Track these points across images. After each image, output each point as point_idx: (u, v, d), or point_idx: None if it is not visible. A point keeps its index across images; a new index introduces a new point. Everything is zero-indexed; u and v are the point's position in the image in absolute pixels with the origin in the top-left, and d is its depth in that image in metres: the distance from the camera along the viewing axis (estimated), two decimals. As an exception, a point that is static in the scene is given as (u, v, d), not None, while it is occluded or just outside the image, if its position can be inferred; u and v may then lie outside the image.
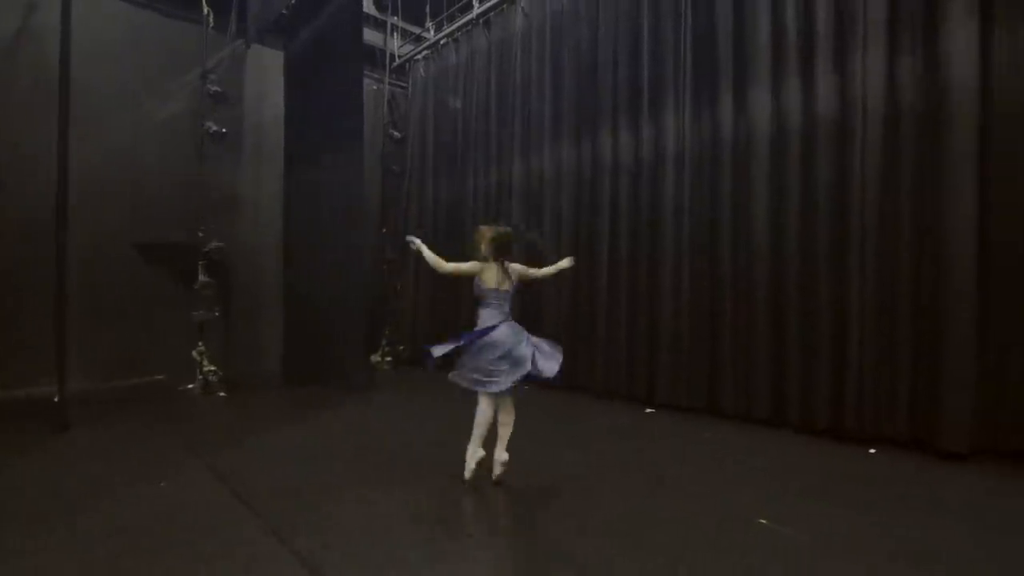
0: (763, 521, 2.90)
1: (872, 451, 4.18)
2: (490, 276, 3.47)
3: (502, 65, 7.79)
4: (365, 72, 8.83)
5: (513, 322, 3.47)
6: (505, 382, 3.29)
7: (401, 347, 9.09)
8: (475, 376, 3.33)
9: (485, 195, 8.03)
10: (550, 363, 3.33)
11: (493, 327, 3.36)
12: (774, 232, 4.96)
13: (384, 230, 9.30)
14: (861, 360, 4.36)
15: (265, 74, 7.93)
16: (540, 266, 3.78)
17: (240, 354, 7.24)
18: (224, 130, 7.16)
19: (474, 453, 3.43)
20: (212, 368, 6.54)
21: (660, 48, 5.87)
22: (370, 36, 9.13)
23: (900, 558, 2.53)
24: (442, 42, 8.86)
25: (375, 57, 9.35)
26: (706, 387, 5.38)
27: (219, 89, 7.14)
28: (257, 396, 6.36)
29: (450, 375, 3.41)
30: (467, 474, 3.45)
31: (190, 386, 6.44)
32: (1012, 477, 3.60)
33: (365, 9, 8.31)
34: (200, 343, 6.63)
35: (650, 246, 5.90)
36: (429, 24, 9.36)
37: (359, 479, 3.54)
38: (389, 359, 8.93)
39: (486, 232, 3.54)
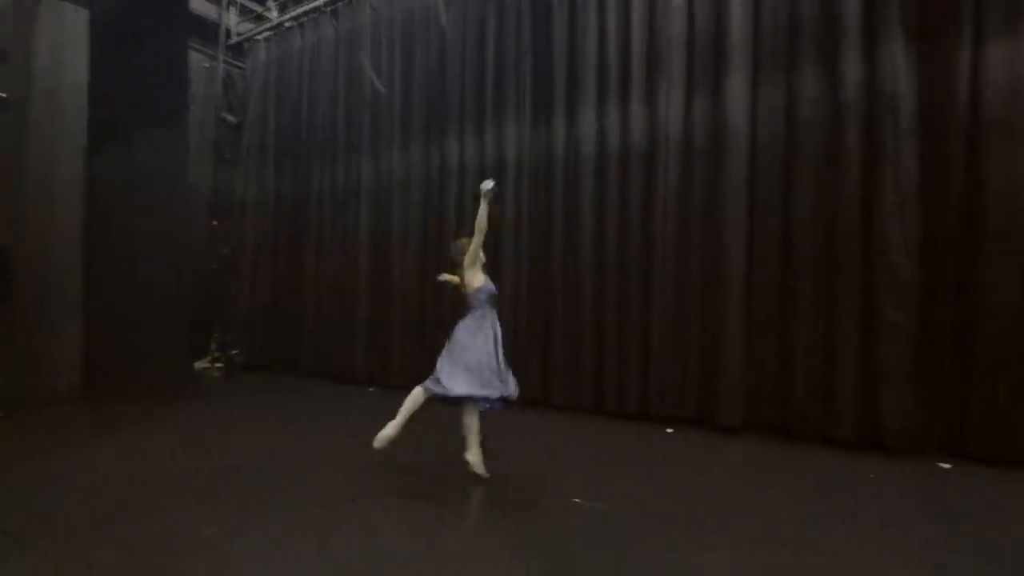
0: (577, 500, 3.24)
1: (670, 430, 4.89)
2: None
3: (351, 59, 7.59)
4: (195, 46, 8.00)
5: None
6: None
7: (235, 351, 8.38)
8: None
9: (332, 192, 7.75)
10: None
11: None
12: (596, 242, 5.55)
13: (215, 223, 8.49)
14: (662, 354, 5.11)
15: (63, 33, 6.75)
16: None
17: (28, 367, 6.07)
18: (4, 95, 5.98)
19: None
20: (-20, 385, 5.40)
21: (503, 61, 6.22)
22: (201, 6, 8.28)
23: (689, 516, 3.02)
24: (286, 24, 8.35)
25: (207, 30, 8.50)
26: (539, 382, 5.82)
27: (-4, 45, 5.95)
28: (43, 416, 5.35)
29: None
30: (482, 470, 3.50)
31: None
32: (773, 444, 4.49)
33: (195, -25, 7.54)
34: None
35: (493, 250, 6.18)
36: (271, 3, 8.76)
37: (133, 511, 2.94)
38: (220, 365, 8.19)
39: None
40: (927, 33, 4.30)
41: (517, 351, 5.86)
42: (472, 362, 3.38)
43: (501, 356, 3.47)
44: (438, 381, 3.39)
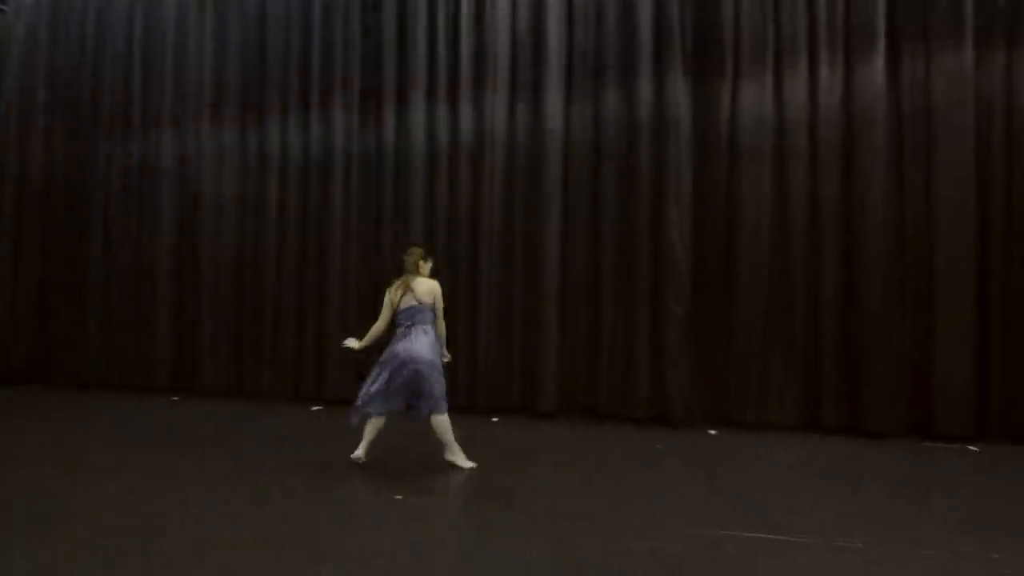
0: (399, 497, 3.27)
1: (495, 419, 5.18)
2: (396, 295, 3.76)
3: (150, 15, 6.50)
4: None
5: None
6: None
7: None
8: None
9: (124, 171, 6.59)
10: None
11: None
12: (426, 237, 5.59)
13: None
14: (488, 346, 5.37)
15: None
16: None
17: None
18: None
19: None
20: None
21: (330, 45, 5.91)
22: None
23: (506, 498, 3.23)
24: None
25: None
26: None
27: None
28: None
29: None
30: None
31: None
32: (582, 425, 4.99)
33: None
34: None
35: (318, 247, 5.91)
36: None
37: None
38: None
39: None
40: (700, 68, 5.10)
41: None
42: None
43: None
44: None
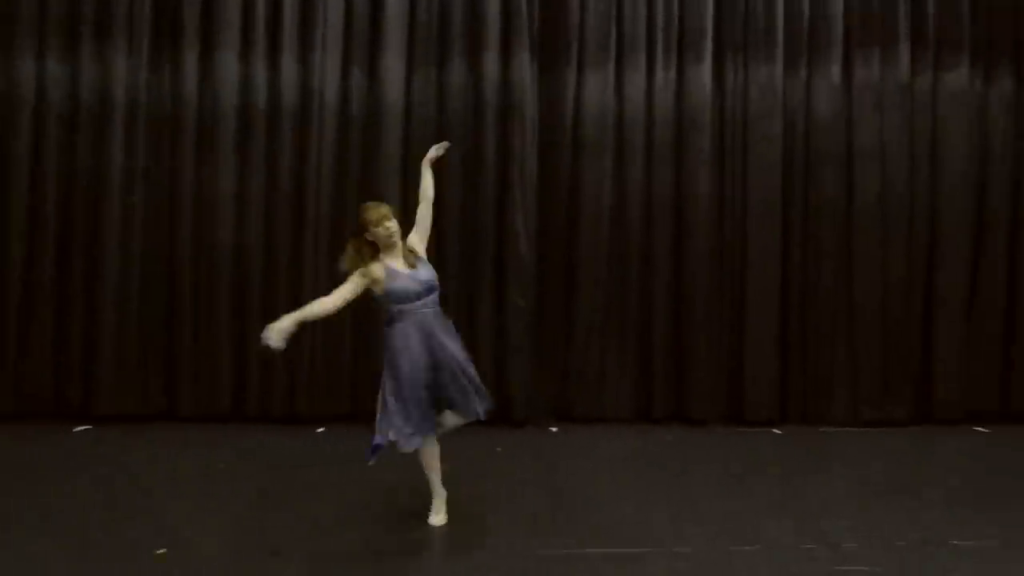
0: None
1: (320, 429, 4.52)
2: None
3: None
4: None
5: None
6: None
7: None
8: None
9: None
10: None
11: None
12: (238, 218, 4.69)
13: None
14: (312, 347, 4.64)
15: None
16: None
17: None
18: None
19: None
20: None
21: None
22: None
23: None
24: None
25: None
26: (163, 391, 4.66)
27: None
28: None
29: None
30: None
31: None
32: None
33: None
34: None
35: (86, 223, 4.63)
36: None
37: None
38: None
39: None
40: (546, 54, 4.92)
41: (134, 352, 4.60)
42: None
43: None
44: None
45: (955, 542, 2.72)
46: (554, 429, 4.69)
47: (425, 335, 2.65)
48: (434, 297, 2.75)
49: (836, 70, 5.01)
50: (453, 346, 2.72)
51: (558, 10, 4.90)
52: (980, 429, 4.95)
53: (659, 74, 4.95)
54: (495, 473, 3.68)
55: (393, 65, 4.72)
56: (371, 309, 4.61)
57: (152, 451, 3.97)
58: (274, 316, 4.44)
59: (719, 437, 4.65)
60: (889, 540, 2.73)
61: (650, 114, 4.97)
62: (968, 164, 5.06)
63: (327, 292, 4.49)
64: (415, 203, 4.67)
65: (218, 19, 4.63)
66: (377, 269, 2.65)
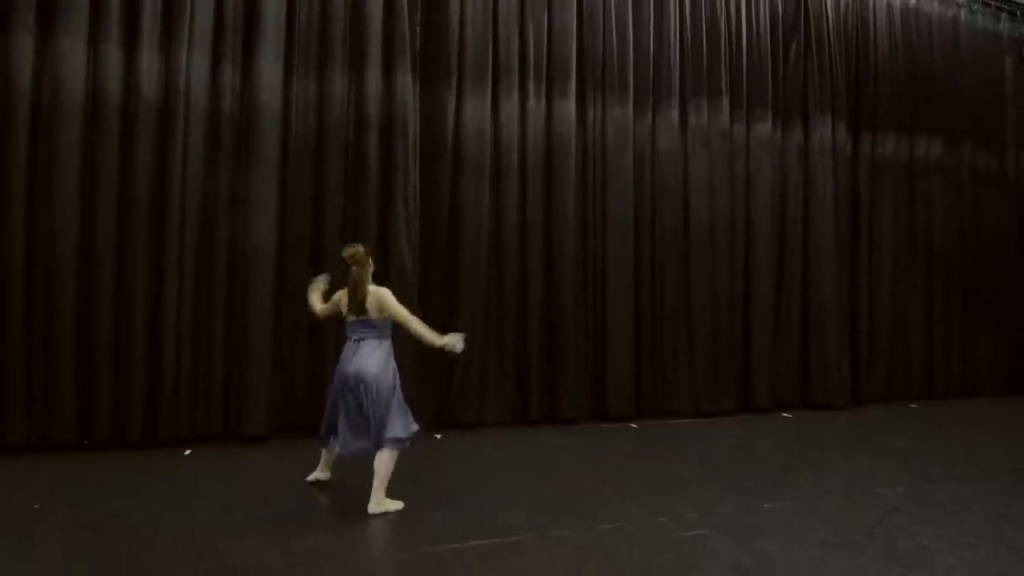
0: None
1: (188, 452, 4.19)
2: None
3: None
4: None
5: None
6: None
7: None
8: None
9: None
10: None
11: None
12: (82, 223, 4.19)
13: None
14: (179, 364, 4.30)
15: None
16: None
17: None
18: None
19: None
20: None
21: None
22: None
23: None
24: None
25: None
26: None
27: None
28: None
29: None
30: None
31: None
32: (303, 448, 4.38)
33: None
34: None
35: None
36: None
37: None
38: None
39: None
40: (428, 73, 5.14)
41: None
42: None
43: None
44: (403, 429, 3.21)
45: (766, 505, 3.40)
46: (438, 436, 4.84)
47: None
48: None
49: (675, 115, 5.91)
50: None
51: (438, 32, 5.14)
52: (787, 415, 6.10)
53: (531, 102, 5.42)
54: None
55: (269, 68, 4.60)
56: (242, 327, 4.48)
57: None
58: (129, 327, 4.12)
59: (585, 433, 5.16)
60: (718, 508, 3.33)
61: (523, 139, 5.41)
62: (772, 197, 6.26)
63: (195, 307, 4.35)
64: (292, 208, 4.64)
65: (65, 3, 4.13)
66: None
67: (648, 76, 5.81)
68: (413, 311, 4.84)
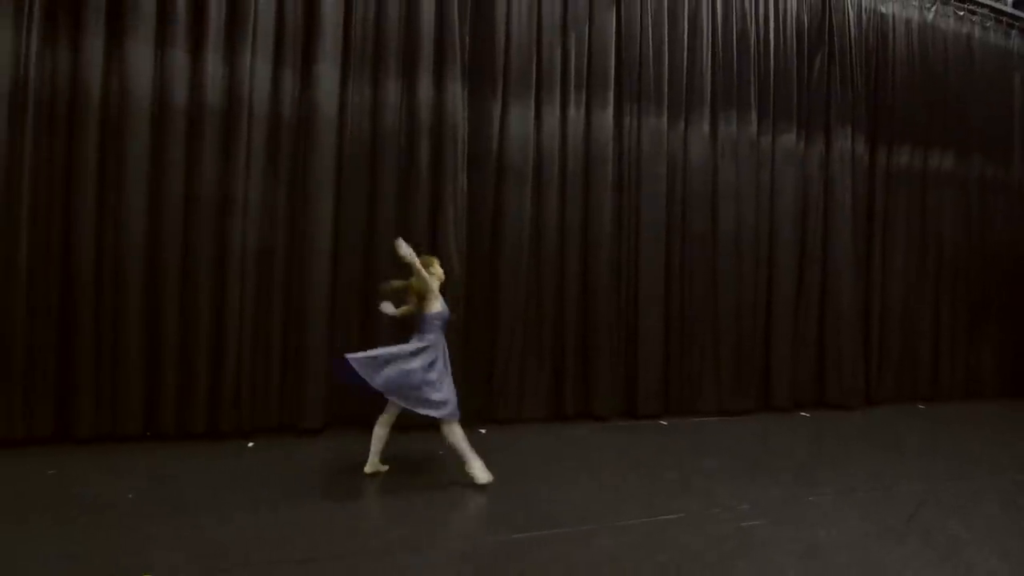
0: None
1: (250, 444, 4.38)
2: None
3: None
4: None
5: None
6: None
7: None
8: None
9: None
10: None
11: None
12: (147, 224, 4.35)
13: None
14: (239, 360, 4.49)
15: None
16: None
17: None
18: None
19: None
20: None
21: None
22: None
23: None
24: None
25: None
26: (53, 412, 4.14)
27: None
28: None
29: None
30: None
31: None
32: (357, 439, 4.58)
33: None
34: None
35: None
36: None
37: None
38: None
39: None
40: (475, 82, 5.31)
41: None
42: (401, 374, 3.54)
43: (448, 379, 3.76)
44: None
45: (810, 498, 3.67)
46: (483, 431, 5.06)
47: None
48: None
49: (706, 126, 6.14)
50: None
51: (485, 41, 5.32)
52: (804, 414, 6.39)
53: (571, 112, 5.63)
54: (440, 474, 3.93)
55: (328, 74, 4.76)
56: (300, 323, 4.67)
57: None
58: (193, 324, 4.31)
59: (618, 430, 5.40)
60: (764, 499, 3.59)
61: (563, 147, 5.62)
62: (794, 206, 6.52)
63: (255, 305, 4.53)
64: (346, 210, 4.83)
65: (134, 9, 4.27)
66: None
67: (681, 88, 6.02)
68: (459, 311, 5.13)
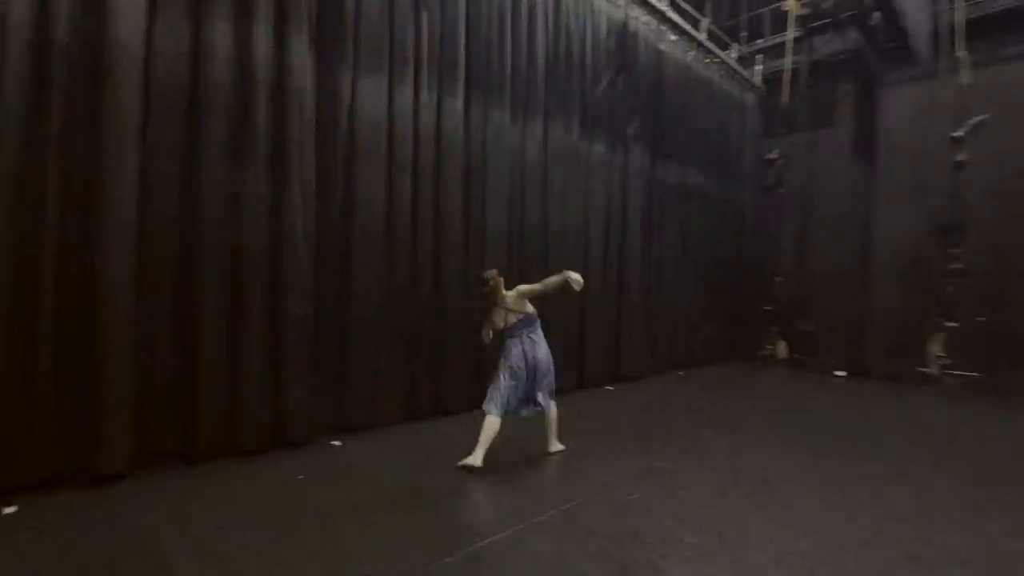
0: None
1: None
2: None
3: None
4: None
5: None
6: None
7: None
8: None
9: None
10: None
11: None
12: None
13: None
14: (10, 374, 3.09)
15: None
16: None
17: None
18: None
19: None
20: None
21: None
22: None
23: None
24: None
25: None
26: None
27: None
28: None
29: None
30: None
31: None
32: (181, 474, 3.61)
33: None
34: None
35: None
36: None
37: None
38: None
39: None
40: (325, 46, 4.61)
41: None
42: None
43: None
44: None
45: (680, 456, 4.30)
46: (337, 443, 4.49)
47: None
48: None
49: (539, 129, 6.51)
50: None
51: (336, 8, 4.66)
52: (609, 388, 7.39)
53: (424, 96, 5.33)
54: (296, 508, 3.37)
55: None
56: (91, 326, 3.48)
57: None
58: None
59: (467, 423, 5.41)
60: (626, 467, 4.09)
61: (417, 130, 5.29)
62: (604, 208, 7.44)
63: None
64: (156, 181, 3.74)
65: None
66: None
67: (521, 89, 6.25)
68: (309, 306, 4.44)
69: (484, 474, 3.87)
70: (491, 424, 3.97)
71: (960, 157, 8.65)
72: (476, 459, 3.89)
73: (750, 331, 10.72)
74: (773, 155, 10.79)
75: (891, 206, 9.45)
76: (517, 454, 4.34)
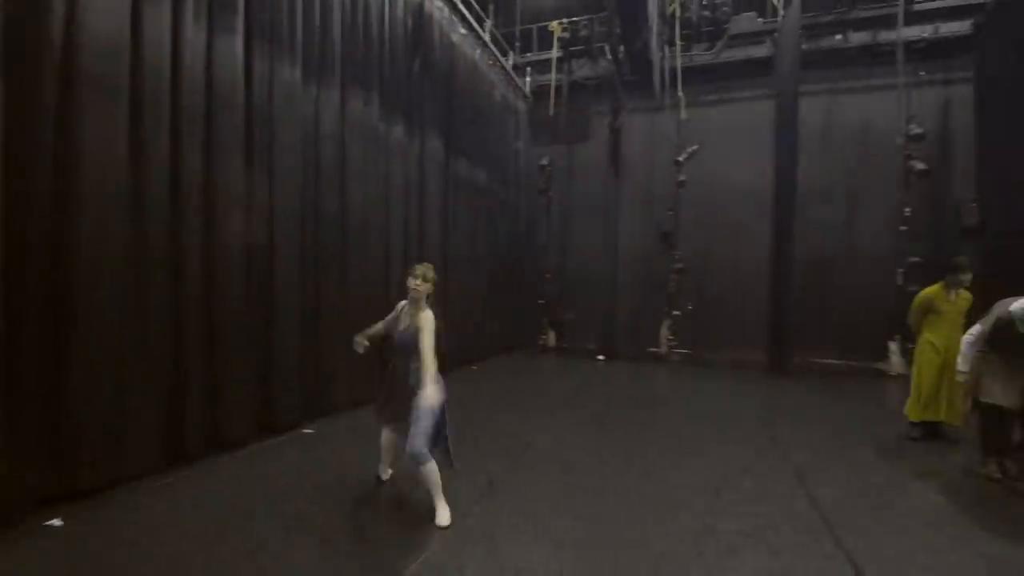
0: None
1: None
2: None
3: None
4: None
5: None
6: None
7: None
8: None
9: None
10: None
11: None
12: None
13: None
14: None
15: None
16: None
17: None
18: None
19: None
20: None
21: None
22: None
23: None
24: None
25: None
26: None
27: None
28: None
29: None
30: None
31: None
32: None
33: None
34: None
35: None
36: None
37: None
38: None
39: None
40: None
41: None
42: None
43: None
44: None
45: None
46: (58, 522, 2.93)
47: None
48: None
49: (336, 96, 5.57)
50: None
51: None
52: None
53: (189, 28, 3.97)
54: None
55: None
56: None
57: None
58: None
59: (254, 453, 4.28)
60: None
61: (177, 68, 3.90)
62: (403, 193, 6.84)
63: None
64: None
65: None
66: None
67: (314, 48, 5.23)
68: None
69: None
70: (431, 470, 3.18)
71: (681, 177, 10.72)
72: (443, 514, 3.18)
73: (528, 323, 11.42)
74: (544, 161, 11.68)
75: (632, 215, 11.16)
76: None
